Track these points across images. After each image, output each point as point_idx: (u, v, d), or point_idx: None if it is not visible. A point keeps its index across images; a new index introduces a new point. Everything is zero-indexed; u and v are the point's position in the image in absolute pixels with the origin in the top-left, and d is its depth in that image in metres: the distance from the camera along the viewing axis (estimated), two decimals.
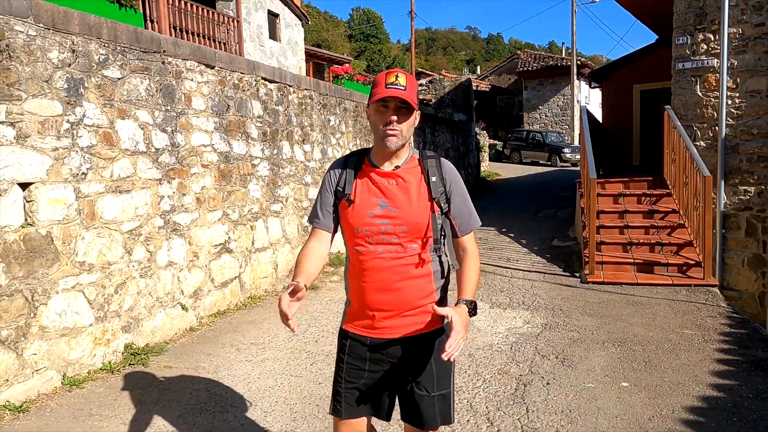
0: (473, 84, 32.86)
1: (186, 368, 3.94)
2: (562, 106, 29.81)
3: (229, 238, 5.27)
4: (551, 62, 30.26)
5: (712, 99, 7.53)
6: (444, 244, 1.88)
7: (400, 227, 1.79)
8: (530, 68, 30.45)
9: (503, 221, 10.19)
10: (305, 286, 1.68)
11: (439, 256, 1.88)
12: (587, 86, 29.40)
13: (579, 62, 29.09)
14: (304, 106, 6.64)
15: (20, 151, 3.32)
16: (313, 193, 6.81)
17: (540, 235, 8.97)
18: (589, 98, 30.00)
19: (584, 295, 5.73)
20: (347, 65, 19.60)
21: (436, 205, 1.82)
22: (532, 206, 12.10)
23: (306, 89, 6.65)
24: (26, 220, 3.39)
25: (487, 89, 33.28)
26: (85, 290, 3.76)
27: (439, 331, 1.85)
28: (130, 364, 3.98)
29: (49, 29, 3.50)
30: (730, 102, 7.41)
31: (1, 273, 3.21)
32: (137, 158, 4.19)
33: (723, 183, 7.50)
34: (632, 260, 6.43)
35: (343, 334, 1.93)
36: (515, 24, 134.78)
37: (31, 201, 3.42)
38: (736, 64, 7.35)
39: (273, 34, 16.33)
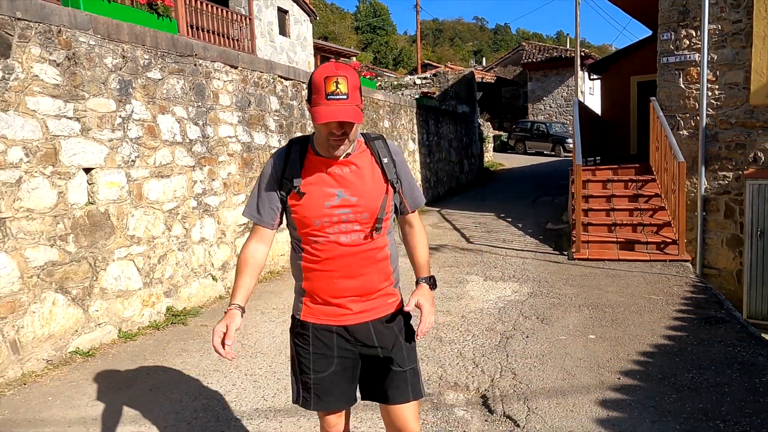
0: (478, 76, 33.35)
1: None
2: (566, 97, 30.25)
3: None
4: (555, 54, 30.68)
5: (694, 91, 8.10)
6: (393, 224, 1.90)
7: (362, 214, 1.77)
8: (535, 60, 30.89)
9: (502, 207, 10.80)
10: (243, 309, 1.76)
11: (392, 238, 1.90)
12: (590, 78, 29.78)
13: (583, 53, 29.45)
14: None
15: (84, 141, 4.00)
16: None
17: (536, 219, 9.59)
18: (594, 89, 30.40)
19: (569, 270, 6.37)
20: (355, 61, 20.22)
21: (390, 187, 1.82)
22: (531, 194, 12.69)
23: None
24: (89, 199, 4.08)
25: (493, 81, 33.71)
26: (135, 260, 4.45)
27: (399, 310, 1.90)
28: (171, 323, 4.67)
29: (105, 39, 4.17)
30: (710, 94, 7.98)
31: (71, 242, 3.90)
32: (175, 148, 4.87)
33: (704, 169, 8.08)
34: (615, 239, 7.06)
35: (302, 326, 1.87)
36: (523, 15, 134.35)
37: (92, 183, 4.10)
38: (715, 58, 7.91)
39: (283, 30, 16.96)
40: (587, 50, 33.85)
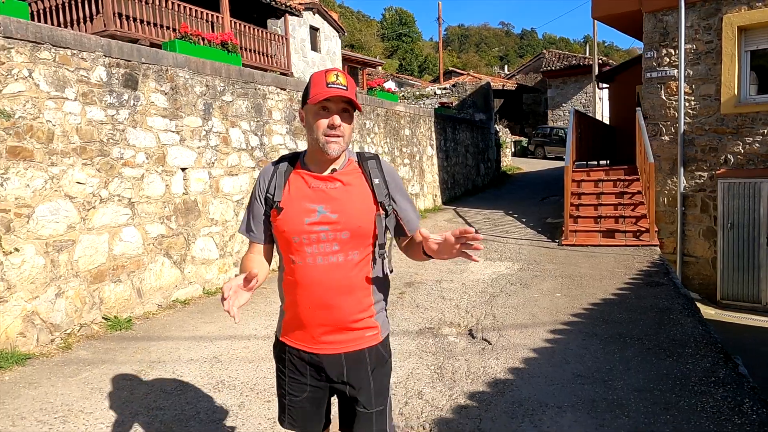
0: (499, 83, 34.55)
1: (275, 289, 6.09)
2: (584, 104, 31.23)
3: None
4: (574, 62, 31.72)
5: (674, 102, 9.32)
6: (387, 249, 1.80)
7: (341, 233, 1.68)
8: (554, 67, 31.98)
9: (511, 206, 12.10)
10: (256, 280, 1.59)
11: (383, 262, 1.80)
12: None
13: (601, 61, 30.46)
14: None
15: (182, 148, 5.51)
16: None
17: (539, 215, 10.87)
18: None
19: (556, 253, 7.67)
20: (380, 78, 21.63)
21: (381, 208, 1.74)
22: (540, 195, 13.94)
23: None
24: (184, 190, 5.58)
25: (514, 88, 34.87)
26: (213, 237, 5.94)
27: (376, 347, 1.80)
28: None
29: (195, 73, 5.68)
30: (687, 104, 9.19)
31: (173, 221, 5.41)
32: (241, 153, 6.36)
33: (682, 170, 9.29)
34: (599, 229, 8.33)
35: (280, 347, 1.84)
36: (549, 21, 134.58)
37: (186, 179, 5.60)
38: (691, 73, 9.12)
39: (314, 46, 18.54)
40: (605, 58, 34.73)
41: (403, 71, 64.22)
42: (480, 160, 16.56)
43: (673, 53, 9.27)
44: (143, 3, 10.80)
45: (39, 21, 10.45)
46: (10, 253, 3.98)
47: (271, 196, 1.74)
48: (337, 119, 1.64)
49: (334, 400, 1.92)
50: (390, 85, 35.38)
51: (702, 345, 4.05)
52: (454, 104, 17.70)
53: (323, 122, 1.65)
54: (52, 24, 10.50)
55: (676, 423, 3.02)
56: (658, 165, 9.48)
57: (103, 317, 4.70)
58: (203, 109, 5.79)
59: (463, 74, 37.25)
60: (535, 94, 35.75)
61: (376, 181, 1.75)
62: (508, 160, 23.64)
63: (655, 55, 9.46)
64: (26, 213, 4.11)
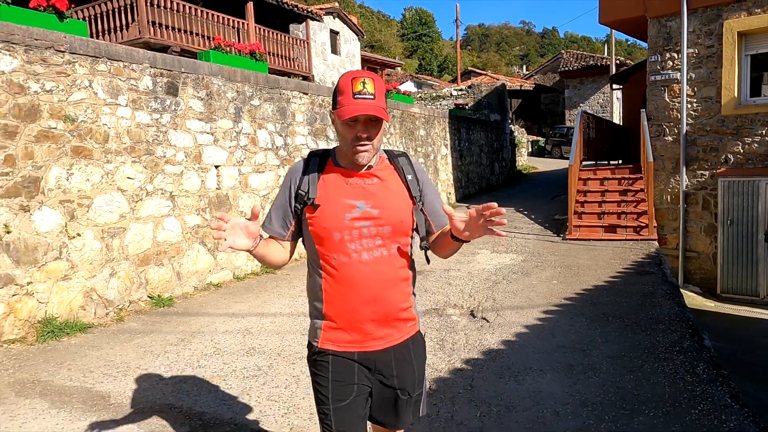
0: (517, 83, 34.85)
1: (303, 275, 6.72)
2: (602, 104, 31.43)
3: None
4: (591, 62, 31.93)
5: (676, 104, 9.74)
6: (428, 241, 1.84)
7: (384, 227, 1.70)
8: (571, 68, 32.22)
9: (523, 203, 12.58)
10: (260, 237, 1.66)
11: (412, 257, 1.83)
12: None
13: (618, 61, 30.64)
14: None
15: (215, 148, 6.16)
16: None
17: (548, 212, 11.35)
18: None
19: (559, 246, 8.18)
20: (396, 82, 22.14)
21: (414, 203, 1.77)
22: (552, 193, 14.38)
23: None
24: (217, 185, 6.23)
25: (531, 88, 35.17)
26: None
27: (416, 335, 1.85)
28: (266, 272, 6.79)
29: (227, 80, 6.33)
30: (689, 106, 9.60)
31: (208, 213, 6.06)
32: (267, 153, 7.00)
33: (684, 168, 9.70)
34: (602, 224, 8.80)
35: (320, 354, 1.77)
36: (570, 20, 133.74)
37: (219, 176, 6.25)
38: (693, 76, 9.53)
39: (334, 49, 19.19)
40: (624, 58, 34.82)
41: (422, 71, 64.60)
42: (494, 160, 17.04)
43: (676, 57, 9.69)
44: (174, 12, 11.53)
45: None
46: (74, 237, 4.66)
47: (304, 193, 1.72)
48: (363, 133, 1.64)
49: None
50: (409, 85, 35.99)
51: (674, 323, 4.56)
52: (469, 105, 18.20)
53: (350, 133, 1.65)
54: (90, 31, 11.28)
55: (637, 381, 3.55)
56: (662, 164, 9.90)
57: (148, 296, 5.37)
58: (234, 113, 6.44)
59: (481, 74, 37.65)
60: (553, 94, 35.99)
61: (409, 177, 1.78)
62: (524, 160, 24.04)
63: (659, 59, 9.89)
64: (86, 203, 4.78)
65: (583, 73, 31.62)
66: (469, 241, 1.70)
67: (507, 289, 5.96)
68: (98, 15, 11.33)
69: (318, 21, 16.43)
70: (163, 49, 11.35)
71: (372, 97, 1.61)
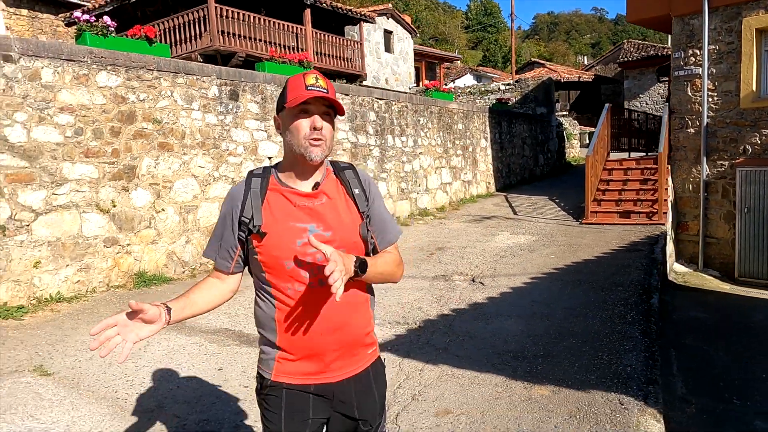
0: (575, 75, 34.76)
1: None
2: (662, 94, 30.99)
3: None
4: (652, 52, 31.50)
5: (698, 97, 10.27)
6: None
7: (338, 250, 1.51)
8: (631, 58, 31.91)
9: (558, 193, 13.35)
10: (169, 311, 1.50)
11: None
12: None
13: None
14: (401, 112, 10.49)
15: (269, 142, 7.51)
16: (408, 167, 10.62)
17: (576, 200, 12.09)
18: None
19: (573, 229, 9.04)
20: (459, 64, 22.96)
21: (363, 220, 1.65)
22: None
23: (402, 102, 10.50)
24: None
25: (590, 79, 35.05)
26: None
27: (376, 362, 1.75)
28: None
29: (278, 86, 7.66)
30: (710, 99, 10.12)
31: None
32: None
33: (705, 159, 10.24)
34: (618, 210, 9.56)
35: (272, 388, 1.63)
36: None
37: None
38: (714, 71, 10.05)
39: (388, 48, 20.36)
40: None
41: (486, 63, 64.56)
42: (539, 151, 17.73)
43: (698, 53, 10.21)
44: (240, 21, 13.07)
45: (160, 41, 12.96)
46: (160, 211, 6.11)
47: (247, 220, 1.58)
48: (318, 120, 1.54)
49: None
50: (468, 78, 36.63)
51: (632, 286, 5.48)
52: (516, 99, 18.93)
53: (304, 124, 1.54)
54: (170, 40, 13.02)
55: (577, 323, 4.56)
56: (684, 155, 10.47)
57: None
58: None
59: (542, 65, 37.74)
60: (613, 85, 35.66)
61: (356, 191, 1.66)
62: (576, 151, 24.36)
63: (682, 55, 10.44)
64: (168, 186, 6.22)
65: (643, 64, 31.26)
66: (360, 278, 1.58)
67: (509, 262, 6.98)
68: (176, 27, 13.03)
69: (371, 23, 17.64)
70: (231, 55, 12.93)
71: (325, 90, 1.54)
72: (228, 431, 3.03)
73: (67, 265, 5.30)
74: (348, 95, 9.03)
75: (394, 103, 10.24)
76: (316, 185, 1.61)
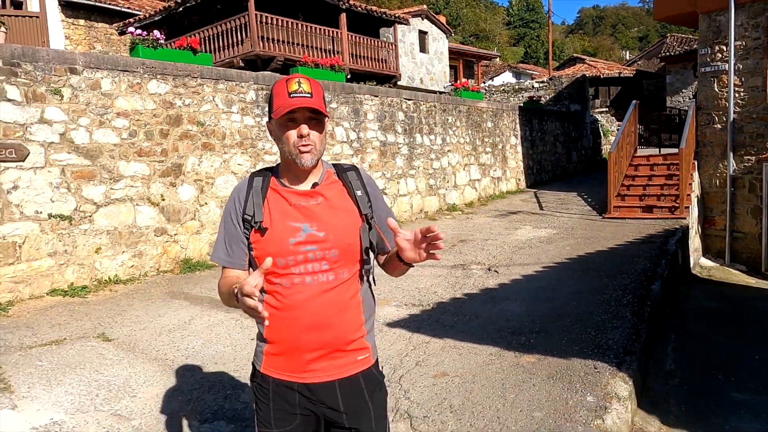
0: (616, 70, 34.37)
1: None
2: None
3: (385, 187, 9.78)
4: (695, 46, 30.81)
5: (725, 93, 10.35)
6: (372, 264, 1.76)
7: (330, 251, 1.61)
8: (674, 53, 31.29)
9: (588, 189, 13.53)
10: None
11: (369, 281, 1.75)
12: None
13: None
14: (430, 111, 10.95)
15: None
16: (437, 164, 11.07)
17: (603, 195, 12.21)
18: None
19: (594, 223, 9.32)
20: (499, 62, 23.23)
21: (365, 221, 1.68)
22: None
23: (431, 102, 10.96)
24: None
25: (631, 75, 34.58)
26: None
27: (370, 370, 1.72)
28: None
29: None
30: (737, 95, 10.20)
31: None
32: (343, 145, 8.86)
33: (731, 154, 10.32)
34: (641, 205, 9.77)
35: (262, 379, 1.69)
36: None
37: None
38: (741, 67, 10.12)
39: (423, 48, 20.81)
40: None
41: (528, 59, 63.98)
42: (572, 148, 17.85)
43: (725, 50, 10.29)
44: (279, 26, 13.78)
45: (204, 47, 13.79)
46: (203, 205, 6.79)
47: (250, 217, 1.64)
48: (304, 128, 1.58)
49: None
50: (506, 76, 36.63)
51: (636, 274, 5.81)
52: (550, 96, 19.07)
53: (292, 134, 1.59)
54: (213, 47, 13.85)
55: (577, 305, 4.96)
56: (711, 150, 10.58)
57: None
58: None
59: (583, 61, 37.40)
60: (656, 80, 35.05)
61: (359, 193, 1.69)
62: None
63: (709, 52, 10.54)
64: (211, 182, 6.89)
65: (686, 58, 30.56)
66: (413, 266, 1.65)
67: (526, 252, 7.37)
68: (219, 33, 13.85)
69: (405, 24, 18.13)
70: (270, 59, 13.65)
71: (309, 95, 1.57)
72: None
73: (123, 252, 6.02)
74: (377, 96, 9.57)
75: (422, 103, 10.71)
76: (314, 186, 1.67)
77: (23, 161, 5.23)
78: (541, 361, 3.78)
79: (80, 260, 5.66)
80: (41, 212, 5.37)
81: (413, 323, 4.78)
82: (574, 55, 49.04)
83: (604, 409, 3.06)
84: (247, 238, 1.66)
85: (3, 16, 6.93)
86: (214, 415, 3.25)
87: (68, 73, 5.57)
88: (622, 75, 34.04)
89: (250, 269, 1.70)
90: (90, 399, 3.45)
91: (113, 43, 18.20)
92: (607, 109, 33.16)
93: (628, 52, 50.74)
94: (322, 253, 1.62)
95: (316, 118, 1.62)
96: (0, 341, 4.25)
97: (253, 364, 1.76)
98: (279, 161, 1.75)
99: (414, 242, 1.56)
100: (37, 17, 8.48)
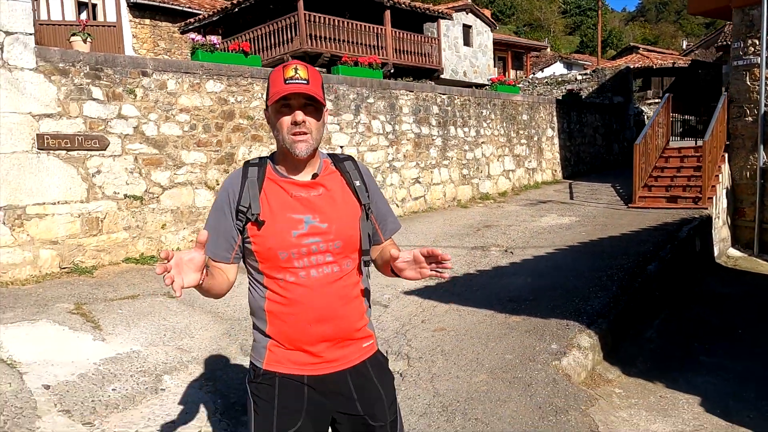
0: (670, 60, 33.65)
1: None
2: None
3: (419, 176, 10.51)
4: None
5: (756, 86, 10.51)
6: (370, 254, 1.72)
7: (334, 243, 1.60)
8: (729, 42, 30.44)
9: (622, 180, 13.74)
10: (206, 267, 1.47)
11: (367, 271, 1.75)
12: None
13: None
14: (464, 105, 11.57)
15: (340, 134, 8.96)
16: (470, 155, 11.70)
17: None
18: None
19: (617, 212, 9.76)
20: (549, 52, 23.46)
21: (363, 212, 1.66)
22: None
23: (465, 96, 11.58)
24: None
25: (686, 65, 33.81)
26: None
27: (375, 356, 1.75)
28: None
29: (350, 86, 9.07)
30: None
31: None
32: (379, 137, 9.65)
33: (762, 147, 10.48)
34: (666, 195, 10.12)
35: (264, 377, 1.64)
36: None
37: (342, 153, 9.05)
38: None
39: (467, 41, 21.29)
40: None
41: (584, 49, 62.73)
42: (613, 140, 18.00)
43: (757, 43, 10.44)
44: (326, 24, 14.66)
45: (255, 46, 14.84)
46: None
47: (245, 208, 1.59)
48: (299, 115, 1.55)
49: None
50: (557, 67, 36.44)
51: (636, 256, 6.35)
52: (593, 88, 19.22)
53: (286, 120, 1.56)
54: (264, 45, 14.87)
55: (573, 280, 5.58)
56: (742, 143, 10.76)
57: None
58: (354, 109, 9.17)
59: (640, 50, 36.72)
60: (714, 71, 34.07)
61: (357, 183, 1.68)
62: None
63: (741, 45, 10.70)
64: None
65: None
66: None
67: (543, 237, 7.97)
68: (270, 32, 14.87)
69: (448, 19, 18.69)
70: (318, 55, 14.57)
71: (305, 81, 1.55)
72: None
73: (184, 228, 7.03)
74: (412, 91, 10.29)
75: (456, 97, 11.35)
76: (314, 176, 1.64)
77: (104, 150, 6.27)
78: (525, 321, 4.47)
79: (149, 234, 6.69)
80: (118, 193, 6.42)
81: (426, 292, 5.54)
82: (631, 44, 47.90)
83: (563, 354, 3.74)
84: (241, 232, 1.62)
85: (88, 26, 8.03)
86: None
87: (140, 76, 6.58)
88: (676, 65, 33.29)
89: (248, 264, 1.68)
90: (159, 337, 4.39)
91: (175, 41, 19.60)
92: (660, 100, 32.54)
93: (685, 41, 49.10)
94: (326, 245, 1.61)
95: (313, 105, 1.59)
96: (89, 295, 5.29)
97: (251, 363, 1.70)
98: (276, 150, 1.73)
99: (414, 262, 1.57)
100: (114, 26, 9.65)
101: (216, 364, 3.99)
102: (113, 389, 3.55)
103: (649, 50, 39.98)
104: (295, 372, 1.63)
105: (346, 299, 1.65)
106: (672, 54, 38.25)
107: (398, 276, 1.66)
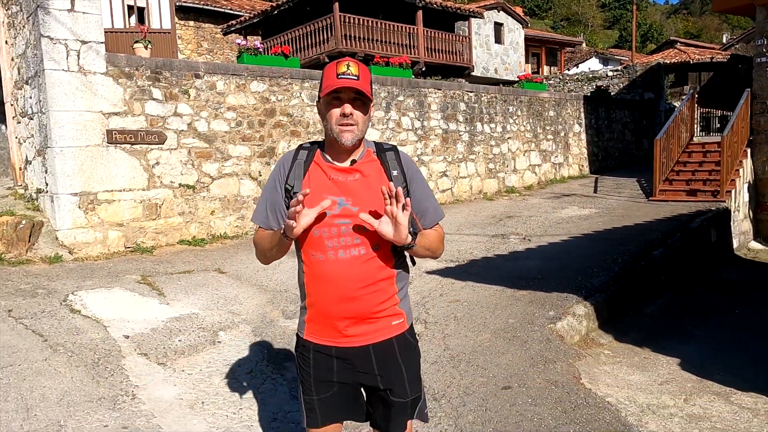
0: (708, 55, 33.28)
1: None
2: None
3: (446, 170, 11.10)
4: None
5: None
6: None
7: (362, 226, 1.70)
8: None
9: (648, 175, 13.99)
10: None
11: (403, 254, 1.83)
12: None
13: None
14: (491, 102, 12.09)
15: (371, 130, 9.61)
16: (497, 150, 12.21)
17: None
18: None
19: (636, 205, 10.15)
20: (585, 47, 23.62)
21: None
22: None
23: (492, 93, 12.11)
24: None
25: (725, 60, 33.31)
26: None
27: (403, 335, 1.84)
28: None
29: (381, 85, 9.72)
30: None
31: None
32: (408, 133, 10.28)
33: None
34: (686, 189, 10.45)
35: (303, 346, 1.85)
36: None
37: None
38: None
39: (498, 39, 21.68)
40: None
41: (623, 43, 61.84)
42: (642, 136, 18.18)
43: None
44: (360, 25, 15.34)
45: (293, 46, 15.62)
46: None
47: (291, 187, 1.75)
48: (347, 107, 1.68)
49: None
50: (593, 62, 36.33)
51: (640, 242, 6.82)
52: (624, 85, 19.40)
53: (335, 111, 1.69)
54: (302, 45, 15.65)
55: (579, 262, 6.12)
56: (765, 138, 10.99)
57: None
58: (385, 106, 9.83)
59: (675, 44, 36.28)
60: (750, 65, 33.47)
61: (395, 173, 1.77)
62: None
63: (765, 42, 10.92)
64: None
65: None
66: (414, 260, 1.85)
67: (561, 226, 8.47)
68: (308, 33, 15.64)
69: (479, 18, 19.13)
70: (352, 55, 15.25)
71: (356, 77, 1.67)
72: None
73: (231, 214, 7.82)
74: (440, 90, 10.88)
75: (483, 94, 11.89)
76: (353, 162, 1.76)
77: (162, 144, 7.09)
78: (530, 294, 5.06)
79: (200, 219, 7.50)
80: (174, 182, 7.24)
81: (446, 272, 6.16)
82: (671, 38, 47.16)
83: (558, 319, 4.33)
84: (288, 207, 1.75)
85: (149, 34, 8.92)
86: (294, 314, 4.84)
87: (194, 78, 7.38)
88: (714, 60, 32.84)
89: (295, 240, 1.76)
90: (213, 303, 5.15)
91: (217, 41, 20.63)
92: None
93: (725, 35, 48.01)
94: (356, 228, 1.71)
95: (361, 99, 1.72)
96: (152, 269, 6.11)
97: (297, 334, 1.91)
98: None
99: (390, 219, 1.65)
100: (169, 33, 10.56)
101: (262, 325, 4.71)
102: (179, 340, 4.31)
103: (687, 44, 39.39)
104: (324, 343, 1.81)
105: (369, 282, 1.75)
106: (711, 48, 37.61)
107: (404, 249, 1.78)
